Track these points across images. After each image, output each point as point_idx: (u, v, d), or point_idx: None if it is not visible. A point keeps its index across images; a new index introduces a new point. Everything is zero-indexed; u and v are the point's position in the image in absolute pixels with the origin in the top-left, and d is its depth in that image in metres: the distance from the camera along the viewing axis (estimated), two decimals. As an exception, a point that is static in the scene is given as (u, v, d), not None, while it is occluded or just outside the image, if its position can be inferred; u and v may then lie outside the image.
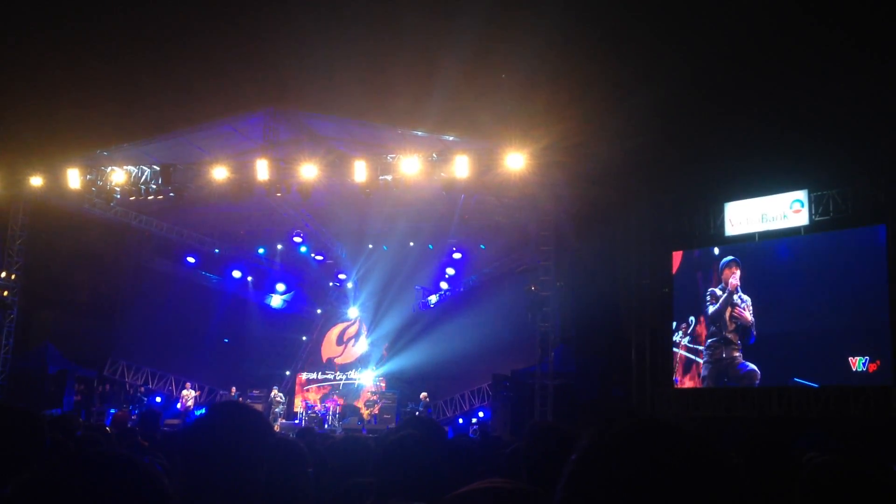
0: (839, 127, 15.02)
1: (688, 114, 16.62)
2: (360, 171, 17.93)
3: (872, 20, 14.86)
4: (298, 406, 24.29)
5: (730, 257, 17.06)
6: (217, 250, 25.80)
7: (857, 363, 14.86)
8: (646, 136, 16.69)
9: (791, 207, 16.21)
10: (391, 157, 18.01)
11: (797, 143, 15.54)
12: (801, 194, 16.11)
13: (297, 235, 24.67)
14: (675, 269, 18.04)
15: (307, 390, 25.20)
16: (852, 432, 13.82)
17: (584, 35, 17.15)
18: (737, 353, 16.70)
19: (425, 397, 21.57)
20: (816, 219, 15.93)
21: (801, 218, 16.08)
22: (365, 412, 22.92)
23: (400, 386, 23.65)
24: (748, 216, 16.76)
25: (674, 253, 18.02)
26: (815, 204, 15.96)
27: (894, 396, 14.23)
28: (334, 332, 26.35)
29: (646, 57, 16.73)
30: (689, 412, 16.86)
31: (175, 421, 20.41)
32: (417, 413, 20.58)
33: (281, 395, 23.14)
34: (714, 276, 17.31)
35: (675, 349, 17.67)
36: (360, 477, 3.40)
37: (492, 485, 2.09)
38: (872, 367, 14.69)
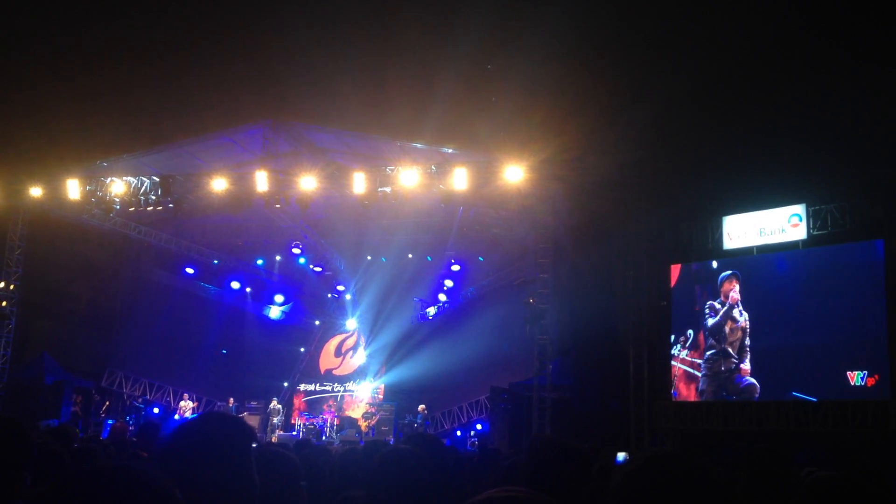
0: (838, 142, 15.07)
1: (686, 127, 16.68)
2: (359, 182, 17.97)
3: (870, 35, 14.94)
4: (296, 417, 24.24)
5: (730, 271, 17.05)
6: (216, 261, 25.79)
7: (855, 377, 14.85)
8: (644, 150, 16.72)
9: (789, 221, 16.23)
10: (390, 169, 18.05)
11: (795, 157, 15.58)
12: (800, 208, 16.13)
13: (296, 247, 24.67)
14: (673, 283, 18.03)
15: (304, 402, 25.16)
16: (850, 447, 13.79)
17: (582, 49, 17.24)
18: (735, 366, 16.68)
19: (423, 409, 21.50)
20: (814, 233, 15.95)
21: (799, 232, 16.10)
22: (363, 424, 22.85)
23: (398, 398, 23.58)
24: (746, 230, 16.77)
25: (672, 266, 18.01)
26: (813, 218, 15.98)
27: (892, 411, 14.21)
28: (332, 344, 26.31)
29: (644, 71, 16.82)
30: (687, 425, 16.84)
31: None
32: (416, 425, 20.55)
33: (280, 405, 23.08)
34: (712, 289, 17.30)
35: (673, 362, 17.64)
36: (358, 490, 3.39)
37: (509, 493, 2.06)
38: (870, 382, 14.67)
